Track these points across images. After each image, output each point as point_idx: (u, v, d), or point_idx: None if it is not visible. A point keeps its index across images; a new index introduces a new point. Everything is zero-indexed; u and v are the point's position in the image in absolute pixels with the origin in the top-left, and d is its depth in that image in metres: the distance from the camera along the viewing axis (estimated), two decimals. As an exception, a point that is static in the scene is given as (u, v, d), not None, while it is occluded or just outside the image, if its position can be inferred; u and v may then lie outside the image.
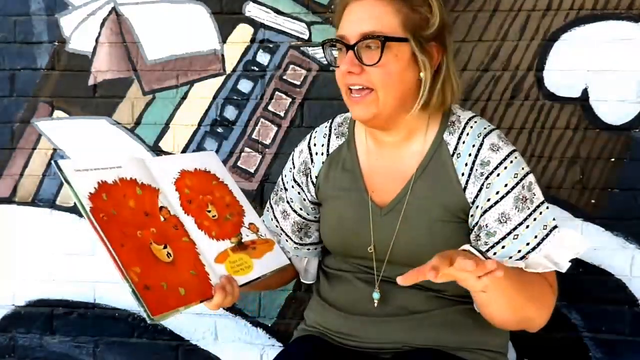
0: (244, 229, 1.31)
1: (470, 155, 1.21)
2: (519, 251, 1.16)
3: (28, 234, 1.84)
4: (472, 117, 1.27)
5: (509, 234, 1.16)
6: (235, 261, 1.25)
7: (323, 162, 1.36)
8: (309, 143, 1.40)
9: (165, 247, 1.18)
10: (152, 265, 1.13)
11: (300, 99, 1.73)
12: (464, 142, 1.23)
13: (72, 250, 1.84)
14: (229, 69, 1.75)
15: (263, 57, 1.74)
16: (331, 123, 1.40)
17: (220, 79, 1.76)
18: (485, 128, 1.23)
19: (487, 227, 1.18)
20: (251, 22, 1.73)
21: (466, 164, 1.21)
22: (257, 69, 1.74)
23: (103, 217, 1.12)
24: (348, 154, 1.34)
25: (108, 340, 1.85)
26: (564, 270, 1.16)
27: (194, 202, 1.28)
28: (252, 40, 1.74)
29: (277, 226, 1.42)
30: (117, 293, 1.83)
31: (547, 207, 1.19)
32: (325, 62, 1.70)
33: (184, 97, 1.78)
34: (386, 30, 1.18)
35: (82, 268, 1.83)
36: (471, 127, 1.24)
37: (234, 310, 1.80)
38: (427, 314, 1.22)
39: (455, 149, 1.23)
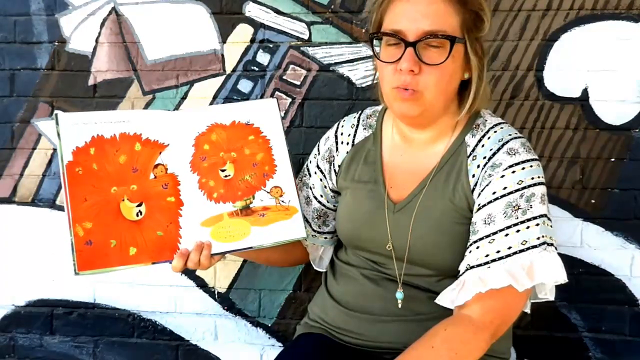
0: (261, 192, 1.28)
1: (485, 157, 1.21)
2: (487, 255, 1.14)
3: (28, 234, 1.84)
4: (500, 123, 1.26)
5: (487, 236, 1.15)
6: (227, 226, 1.24)
7: (347, 152, 1.37)
8: (336, 131, 1.42)
9: (139, 206, 1.20)
10: (109, 222, 1.18)
11: (300, 99, 1.73)
12: (482, 145, 1.22)
13: (72, 250, 1.84)
14: (229, 69, 1.75)
15: (263, 57, 1.74)
16: (360, 114, 1.41)
17: (220, 79, 1.76)
18: (509, 135, 1.23)
19: (475, 224, 1.18)
20: (251, 22, 1.73)
21: (478, 166, 1.21)
22: (257, 69, 1.74)
23: (78, 171, 1.17)
24: (373, 147, 1.34)
25: (108, 340, 1.85)
26: (521, 290, 1.13)
27: (208, 159, 1.27)
28: (252, 40, 1.73)
29: None
30: (117, 293, 1.83)
31: (538, 225, 1.15)
32: (325, 62, 1.71)
33: (184, 97, 1.77)
34: (449, 30, 1.16)
35: (82, 268, 1.83)
36: (495, 132, 1.24)
37: (234, 310, 1.80)
38: (431, 316, 1.21)
39: (473, 150, 1.23)
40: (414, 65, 1.15)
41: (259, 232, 1.25)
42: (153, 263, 1.19)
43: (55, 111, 1.23)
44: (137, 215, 1.20)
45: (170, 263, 1.21)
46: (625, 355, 1.65)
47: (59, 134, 1.18)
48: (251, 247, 1.24)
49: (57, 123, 1.19)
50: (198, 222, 1.23)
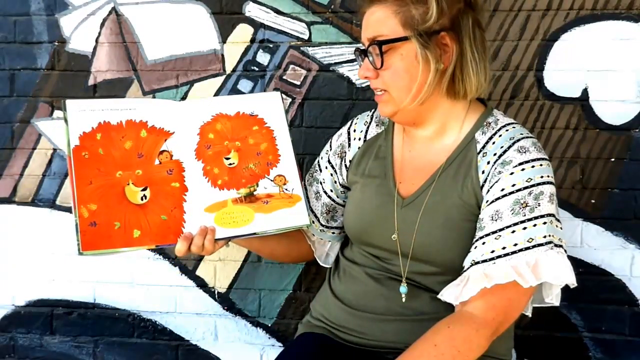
0: (265, 180, 1.30)
1: (495, 154, 1.21)
2: (492, 251, 1.15)
3: (28, 234, 1.84)
4: (511, 123, 1.27)
5: (494, 232, 1.16)
6: (231, 213, 1.26)
7: (359, 148, 1.39)
8: (349, 128, 1.44)
9: (143, 190, 1.23)
10: (114, 204, 1.20)
11: (300, 99, 1.73)
12: (493, 143, 1.23)
13: (72, 250, 1.83)
14: (229, 69, 1.75)
15: (263, 57, 1.74)
16: (374, 111, 1.44)
17: (220, 79, 1.76)
18: (521, 134, 1.23)
19: (482, 220, 1.19)
20: (251, 22, 1.73)
21: (488, 162, 1.22)
22: (257, 69, 1.74)
23: (84, 155, 1.20)
24: (384, 142, 1.36)
25: (108, 340, 1.85)
26: (525, 286, 1.13)
27: (213, 147, 1.30)
28: (252, 40, 1.74)
29: None
30: (117, 293, 1.83)
31: (545, 223, 1.15)
32: (325, 62, 1.71)
33: (184, 97, 1.77)
34: (386, 33, 1.20)
35: (82, 268, 1.83)
36: (507, 130, 1.24)
37: (234, 310, 1.80)
38: (433, 316, 1.21)
39: (483, 147, 1.24)
40: (366, 71, 1.24)
41: (263, 219, 1.26)
42: (157, 246, 1.21)
43: (62, 100, 1.24)
44: (142, 199, 1.22)
45: (174, 246, 1.22)
46: (625, 355, 1.65)
47: (66, 120, 1.21)
48: (255, 234, 1.26)
49: (64, 109, 1.22)
50: (202, 208, 1.25)
